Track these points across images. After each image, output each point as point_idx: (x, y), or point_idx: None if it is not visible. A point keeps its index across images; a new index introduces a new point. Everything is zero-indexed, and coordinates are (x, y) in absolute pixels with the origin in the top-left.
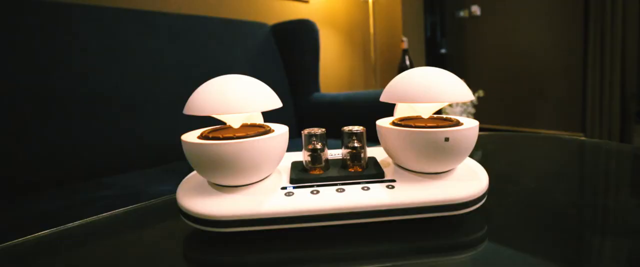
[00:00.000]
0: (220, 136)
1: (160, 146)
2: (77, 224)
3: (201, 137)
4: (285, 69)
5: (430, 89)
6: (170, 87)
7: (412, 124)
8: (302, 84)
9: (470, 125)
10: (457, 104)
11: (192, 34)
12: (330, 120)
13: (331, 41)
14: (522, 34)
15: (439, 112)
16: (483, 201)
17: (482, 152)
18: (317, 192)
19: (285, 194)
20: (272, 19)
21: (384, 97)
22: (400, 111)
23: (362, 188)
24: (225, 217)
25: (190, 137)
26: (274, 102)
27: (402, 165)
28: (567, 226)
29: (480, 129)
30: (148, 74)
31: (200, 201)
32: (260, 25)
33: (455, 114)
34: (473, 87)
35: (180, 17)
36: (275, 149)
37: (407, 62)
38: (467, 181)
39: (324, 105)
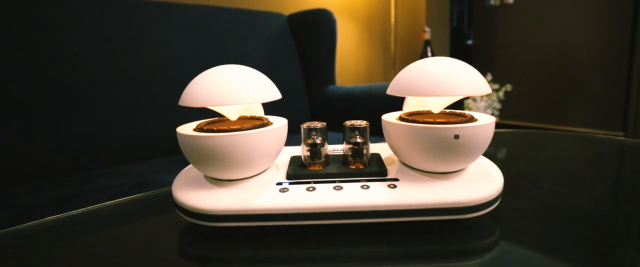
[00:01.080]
0: (214, 128)
1: (175, 137)
2: (77, 213)
3: (197, 129)
4: (300, 61)
5: (440, 82)
6: (185, 78)
7: (419, 120)
8: (317, 76)
9: (484, 122)
10: (481, 98)
11: (207, 24)
12: (344, 113)
13: (349, 32)
14: (558, 24)
15: (460, 106)
16: (495, 204)
17: (504, 151)
18: (313, 189)
19: (280, 190)
20: (289, 9)
21: (390, 90)
22: (410, 105)
23: (362, 186)
24: (216, 212)
25: (186, 129)
26: (272, 93)
27: (407, 163)
28: (591, 236)
29: (508, 126)
30: (162, 64)
31: (193, 194)
32: (277, 16)
33: (479, 109)
34: (501, 81)
35: (195, 8)
36: (271, 143)
37: (429, 54)
38: (478, 182)
39: (338, 99)
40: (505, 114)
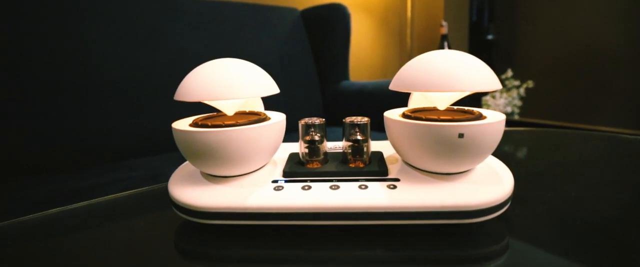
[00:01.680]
0: (208, 124)
1: None
2: (80, 205)
3: (192, 124)
4: (314, 56)
5: (444, 76)
6: None
7: (422, 117)
8: (331, 72)
9: (492, 120)
10: (500, 95)
11: (219, 19)
12: (357, 109)
13: (364, 26)
14: (584, 16)
15: (477, 103)
16: (503, 209)
17: (521, 151)
18: (309, 187)
19: (274, 188)
20: (303, 4)
21: (393, 85)
22: (415, 101)
23: (360, 186)
24: (207, 209)
25: (182, 124)
26: (269, 88)
27: (410, 163)
28: (610, 247)
29: (529, 125)
30: (174, 60)
31: (186, 190)
32: (290, 11)
33: (498, 106)
34: (522, 78)
35: (208, 3)
36: (266, 139)
37: (446, 49)
38: (485, 184)
39: (351, 94)
40: (527, 111)
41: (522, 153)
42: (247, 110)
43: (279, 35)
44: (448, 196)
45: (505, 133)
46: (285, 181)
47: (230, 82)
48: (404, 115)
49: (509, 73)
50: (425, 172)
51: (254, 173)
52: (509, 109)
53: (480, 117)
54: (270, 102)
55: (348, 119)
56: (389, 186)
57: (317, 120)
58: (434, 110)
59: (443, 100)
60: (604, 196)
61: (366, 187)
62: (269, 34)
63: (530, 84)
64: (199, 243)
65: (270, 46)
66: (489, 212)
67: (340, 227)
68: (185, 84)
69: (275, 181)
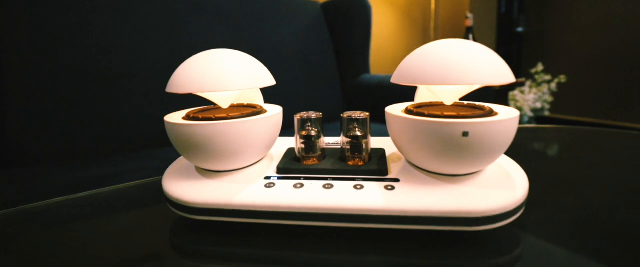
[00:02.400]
0: (199, 117)
1: None
2: (84, 195)
3: (185, 117)
4: (334, 50)
5: (449, 68)
6: None
7: (425, 112)
8: (351, 65)
9: (502, 117)
10: (530, 90)
11: (240, 12)
12: (377, 103)
13: (386, 18)
14: (622, 6)
15: (504, 99)
16: (515, 216)
17: (545, 151)
18: (301, 185)
19: (266, 185)
20: None
21: (394, 78)
22: (421, 96)
23: (355, 186)
24: (196, 205)
25: (175, 117)
26: (264, 80)
27: (412, 162)
28: (636, 264)
29: (560, 122)
30: (195, 53)
31: (177, 184)
32: (311, 4)
33: (526, 102)
34: (554, 72)
35: None
36: (258, 133)
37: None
38: (495, 188)
39: (370, 88)
40: (558, 108)
41: (547, 153)
42: (246, 103)
43: (299, 29)
44: (451, 200)
45: (533, 131)
46: (278, 178)
47: (221, 74)
48: (407, 111)
49: (540, 67)
50: (429, 173)
51: (247, 168)
52: (538, 105)
53: (489, 113)
54: (289, 96)
55: (346, 114)
56: (386, 187)
57: (313, 115)
58: (440, 105)
59: (449, 95)
60: (635, 203)
61: (362, 187)
62: (289, 27)
63: (562, 78)
64: (190, 238)
65: (290, 39)
66: (497, 220)
67: (335, 229)
68: (176, 75)
69: (267, 178)
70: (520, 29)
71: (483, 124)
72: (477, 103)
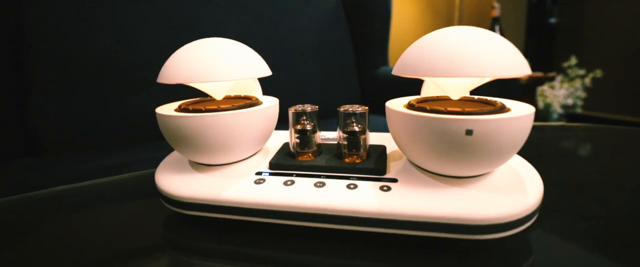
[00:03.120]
0: (190, 108)
1: None
2: (86, 184)
3: (177, 109)
4: (353, 41)
5: (454, 58)
6: None
7: (427, 107)
8: (369, 57)
9: (513, 114)
10: (560, 85)
11: (256, 3)
12: (395, 97)
13: (407, 9)
14: None
15: (531, 95)
16: (526, 224)
17: (571, 152)
18: (292, 183)
19: (255, 181)
20: None
21: (396, 69)
22: (427, 90)
23: (348, 185)
24: (183, 199)
25: (167, 108)
26: (257, 70)
27: (413, 161)
28: None
29: (594, 120)
30: None
31: (168, 176)
32: None
33: (557, 97)
34: (589, 66)
35: None
36: (251, 126)
37: (497, 33)
38: (503, 193)
39: (387, 81)
40: (592, 105)
41: (571, 154)
42: (243, 94)
43: (317, 19)
44: (452, 205)
45: (557, 129)
46: (270, 174)
47: (212, 64)
48: (408, 105)
49: (573, 61)
50: (431, 174)
51: (240, 162)
52: (570, 101)
53: (500, 109)
54: (304, 88)
55: (343, 108)
56: (382, 187)
57: (309, 108)
58: (446, 100)
59: (456, 89)
60: None
61: (355, 186)
62: (307, 18)
63: (598, 73)
64: (181, 231)
65: (307, 31)
66: (504, 228)
67: (328, 230)
68: (166, 65)
69: (259, 173)
70: (552, 20)
71: (489, 122)
72: (489, 98)
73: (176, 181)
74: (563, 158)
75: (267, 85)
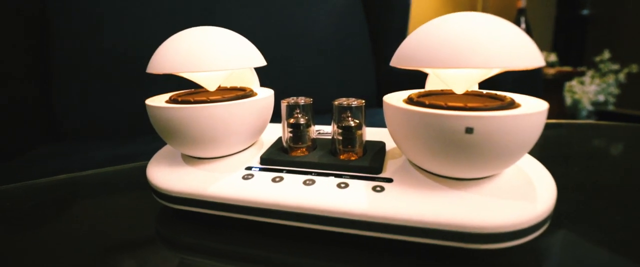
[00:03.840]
0: (178, 99)
1: None
2: (87, 173)
3: (168, 100)
4: (370, 34)
5: (455, 48)
6: None
7: (426, 102)
8: (387, 51)
9: (523, 111)
10: (591, 81)
11: None
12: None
13: (427, 0)
14: None
15: (558, 89)
16: (535, 234)
17: (596, 153)
18: (281, 179)
19: (244, 177)
20: None
21: (394, 60)
22: (431, 83)
23: (339, 184)
24: (171, 192)
25: (158, 100)
26: (251, 59)
27: (411, 160)
28: None
29: (628, 118)
30: None
31: (158, 169)
32: None
33: (587, 94)
34: (623, 61)
35: None
36: (241, 119)
37: (522, 26)
38: (509, 197)
39: (405, 76)
40: (626, 102)
41: (596, 156)
42: (239, 85)
43: (334, 11)
44: (449, 210)
45: (589, 127)
46: (260, 169)
47: (201, 54)
48: (408, 100)
49: (606, 55)
50: (431, 175)
51: (232, 156)
52: (601, 98)
53: (508, 105)
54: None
55: (338, 101)
56: (375, 188)
57: (302, 100)
58: (449, 94)
59: (460, 82)
60: None
61: (346, 185)
62: (323, 9)
63: (634, 68)
64: (171, 223)
65: (323, 23)
66: (506, 238)
67: (320, 230)
68: (155, 54)
69: (249, 168)
70: (585, 12)
71: (492, 119)
72: (499, 93)
73: (165, 173)
74: (588, 159)
75: (281, 80)
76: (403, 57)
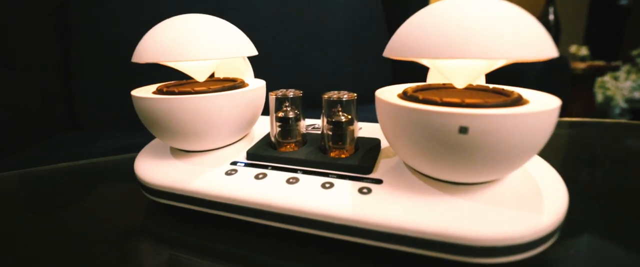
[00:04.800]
0: (164, 90)
1: None
2: (86, 162)
3: (155, 91)
4: (387, 25)
5: (451, 36)
6: (259, 43)
7: (420, 97)
8: None
9: (528, 109)
10: (626, 76)
11: None
12: None
13: None
14: None
15: (588, 84)
16: (540, 248)
17: (617, 157)
18: (263, 176)
19: (227, 172)
20: None
21: (387, 50)
22: (432, 76)
23: (324, 184)
24: (154, 186)
25: (144, 90)
26: (239, 49)
27: (405, 161)
28: None
29: None
30: (239, 26)
31: (145, 161)
32: None
33: (621, 90)
34: None
35: None
36: (226, 111)
37: (551, 17)
38: (509, 207)
39: (422, 70)
40: None
41: (629, 159)
42: (231, 76)
43: (349, 3)
44: (440, 218)
45: (621, 127)
46: (245, 164)
47: (186, 42)
48: (402, 94)
49: None
50: (425, 177)
51: (219, 150)
52: (637, 95)
53: (513, 102)
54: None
55: (327, 94)
56: (361, 189)
57: (291, 93)
58: (448, 89)
59: (459, 75)
60: None
61: (331, 185)
62: (339, 1)
63: None
64: (156, 217)
65: (339, 14)
66: (504, 252)
67: (304, 233)
68: (140, 43)
69: (234, 163)
70: (624, 2)
71: (489, 118)
72: (506, 88)
73: (150, 166)
74: (616, 163)
75: (296, 72)
76: (395, 47)
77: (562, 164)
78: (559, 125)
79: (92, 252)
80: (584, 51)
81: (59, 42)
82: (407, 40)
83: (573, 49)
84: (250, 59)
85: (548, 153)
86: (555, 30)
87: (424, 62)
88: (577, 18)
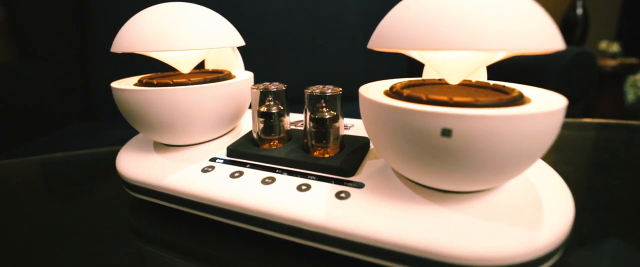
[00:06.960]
0: (144, 81)
1: None
2: (85, 153)
3: (137, 83)
4: None
5: (437, 26)
6: (272, 36)
7: (404, 93)
8: None
9: (525, 110)
10: None
11: None
12: None
13: None
14: None
15: (616, 82)
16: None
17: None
18: (240, 175)
19: (203, 169)
20: None
21: (371, 41)
22: (427, 71)
23: (300, 186)
24: (131, 181)
25: (126, 82)
26: (224, 39)
27: (389, 164)
28: None
29: None
30: (254, 19)
31: (126, 155)
32: None
33: None
34: None
35: None
36: (206, 104)
37: (579, 11)
38: (502, 221)
39: None
40: None
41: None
42: (220, 68)
43: None
44: (421, 230)
45: (632, 129)
46: (224, 161)
47: (168, 31)
48: (389, 91)
49: None
50: (412, 183)
51: (200, 145)
52: None
53: (511, 102)
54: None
55: (310, 89)
56: (339, 193)
57: (274, 87)
58: (440, 85)
59: (452, 69)
60: None
61: (308, 188)
62: None
63: None
64: (142, 213)
65: (354, 6)
66: None
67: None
68: (120, 32)
69: (213, 159)
70: None
71: (476, 119)
72: (508, 85)
73: (130, 160)
74: (624, 171)
75: (309, 65)
76: (380, 37)
77: (578, 170)
78: (582, 127)
79: (70, 248)
80: (615, 48)
81: (77, 32)
82: (390, 29)
83: (603, 45)
84: (262, 53)
85: (564, 158)
86: (583, 25)
87: (413, 54)
88: (610, 13)
